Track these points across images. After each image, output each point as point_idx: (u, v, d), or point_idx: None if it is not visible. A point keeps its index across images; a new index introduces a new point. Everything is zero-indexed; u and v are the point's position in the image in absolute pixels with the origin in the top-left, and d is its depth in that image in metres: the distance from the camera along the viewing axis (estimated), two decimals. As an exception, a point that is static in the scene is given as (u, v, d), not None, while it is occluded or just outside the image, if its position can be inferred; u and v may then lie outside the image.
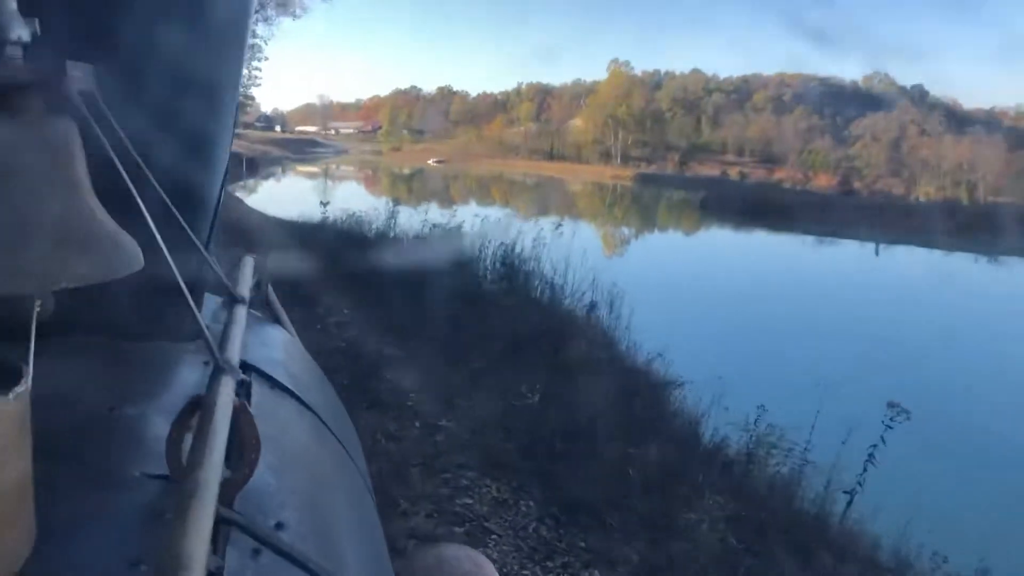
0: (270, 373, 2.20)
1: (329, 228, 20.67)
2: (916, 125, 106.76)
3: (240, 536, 1.33)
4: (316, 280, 13.45)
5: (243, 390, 1.61)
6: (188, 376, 2.05)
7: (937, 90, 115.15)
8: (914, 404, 8.55)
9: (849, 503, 7.88)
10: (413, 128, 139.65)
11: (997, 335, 21.71)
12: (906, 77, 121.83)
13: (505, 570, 6.36)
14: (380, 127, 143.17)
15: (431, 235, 18.60)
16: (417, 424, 8.87)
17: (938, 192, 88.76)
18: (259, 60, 53.58)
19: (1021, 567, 8.35)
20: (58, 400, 1.27)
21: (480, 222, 18.68)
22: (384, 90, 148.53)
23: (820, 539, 7.56)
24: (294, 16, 46.14)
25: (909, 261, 43.83)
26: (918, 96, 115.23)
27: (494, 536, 6.72)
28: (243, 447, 1.43)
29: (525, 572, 6.49)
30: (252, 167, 66.27)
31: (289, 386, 2.23)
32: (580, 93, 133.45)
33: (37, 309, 1.29)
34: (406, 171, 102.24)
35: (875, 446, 7.83)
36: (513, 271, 15.78)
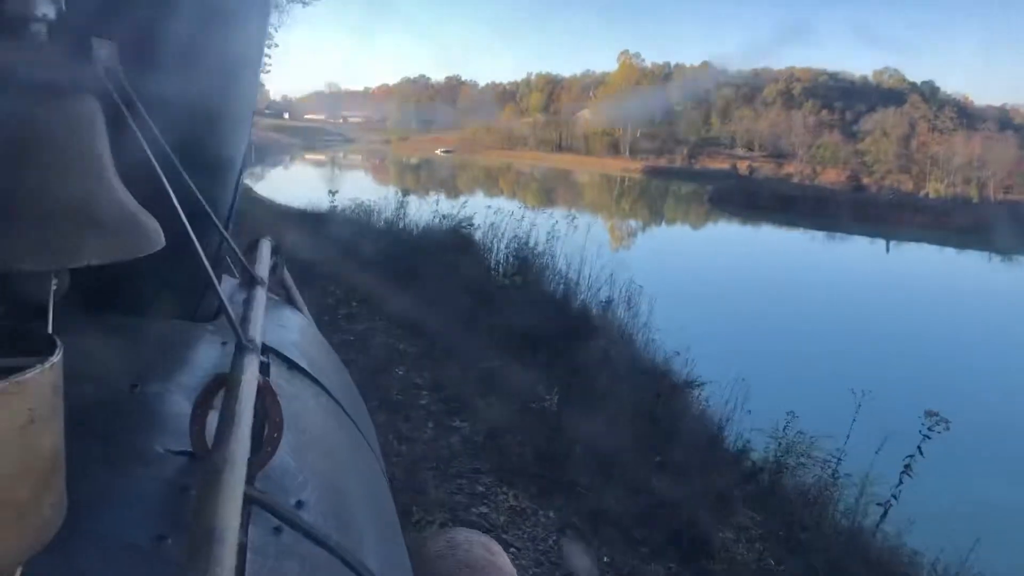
0: (287, 354, 2.22)
1: (338, 217, 20.37)
2: (926, 121, 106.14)
3: (261, 513, 1.36)
4: (324, 271, 13.16)
5: (263, 370, 1.56)
6: (207, 355, 2.11)
7: (948, 86, 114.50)
8: (946, 407, 8.19)
9: (883, 515, 7.52)
10: (421, 118, 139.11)
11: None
12: (917, 73, 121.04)
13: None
14: (388, 116, 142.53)
15: (441, 226, 18.26)
16: (430, 425, 8.52)
17: (948, 189, 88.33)
18: (269, 47, 53.35)
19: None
20: (81, 377, 1.22)
21: (492, 214, 18.26)
22: (393, 79, 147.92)
23: (858, 556, 7.18)
24: (304, 3, 45.94)
25: (920, 258, 43.32)
26: (929, 92, 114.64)
27: (513, 549, 6.35)
28: (268, 426, 1.47)
29: (546, 591, 6.16)
30: (260, 154, 66.23)
31: (306, 367, 2.25)
32: (589, 84, 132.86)
33: (54, 287, 1.31)
34: (414, 160, 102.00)
35: (911, 456, 7.45)
36: (526, 265, 15.40)
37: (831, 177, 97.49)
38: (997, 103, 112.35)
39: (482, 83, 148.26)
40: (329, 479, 1.80)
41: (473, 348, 10.61)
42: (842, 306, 23.28)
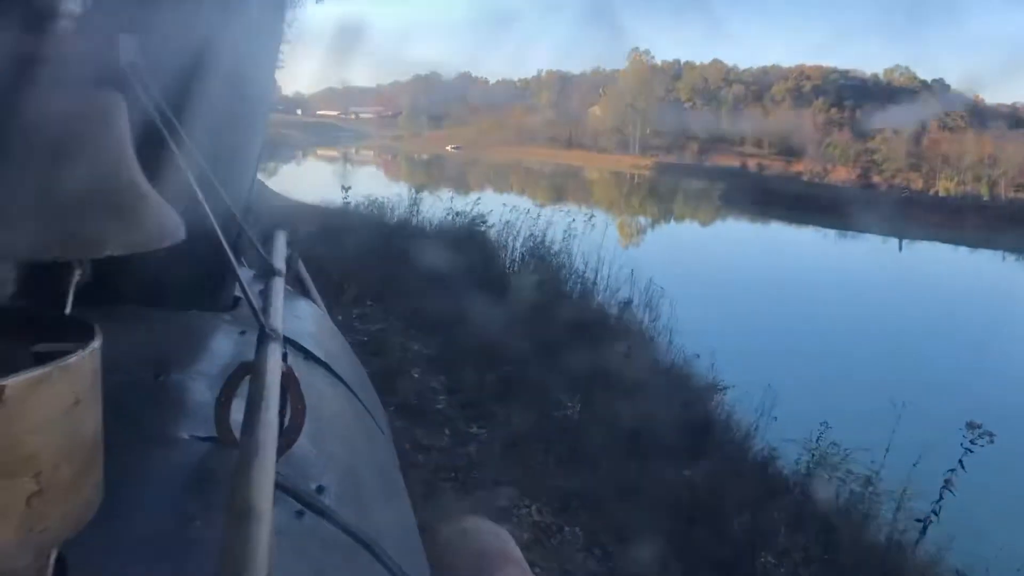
0: (303, 344, 2.28)
1: (351, 214, 20.32)
2: (937, 119, 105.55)
3: (284, 497, 1.40)
4: (337, 269, 12.96)
5: (283, 359, 1.57)
6: (227, 344, 2.19)
7: (959, 84, 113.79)
8: (980, 414, 7.87)
9: (923, 532, 7.20)
10: (432, 114, 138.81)
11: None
12: (927, 71, 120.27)
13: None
14: (400, 112, 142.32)
15: (454, 223, 18.02)
16: (447, 432, 8.26)
17: (958, 187, 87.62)
18: (282, 43, 53.34)
19: None
20: (105, 366, 1.18)
21: (507, 212, 18.00)
22: (404, 76, 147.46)
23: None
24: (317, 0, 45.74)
25: (935, 257, 42.86)
26: (940, 90, 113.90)
27: (537, 569, 6.05)
28: (291, 413, 1.51)
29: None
30: (273, 150, 66.53)
31: (322, 357, 2.33)
32: (599, 82, 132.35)
33: (77, 276, 1.35)
34: (425, 157, 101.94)
35: (952, 471, 7.14)
36: (543, 264, 15.12)
37: (841, 175, 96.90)
38: (1008, 101, 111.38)
39: (493, 80, 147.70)
40: (347, 465, 1.87)
41: (489, 350, 10.35)
42: (862, 306, 22.83)
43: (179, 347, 2.10)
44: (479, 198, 20.36)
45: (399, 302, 12.69)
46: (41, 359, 1.02)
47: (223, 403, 1.53)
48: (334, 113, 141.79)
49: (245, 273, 2.46)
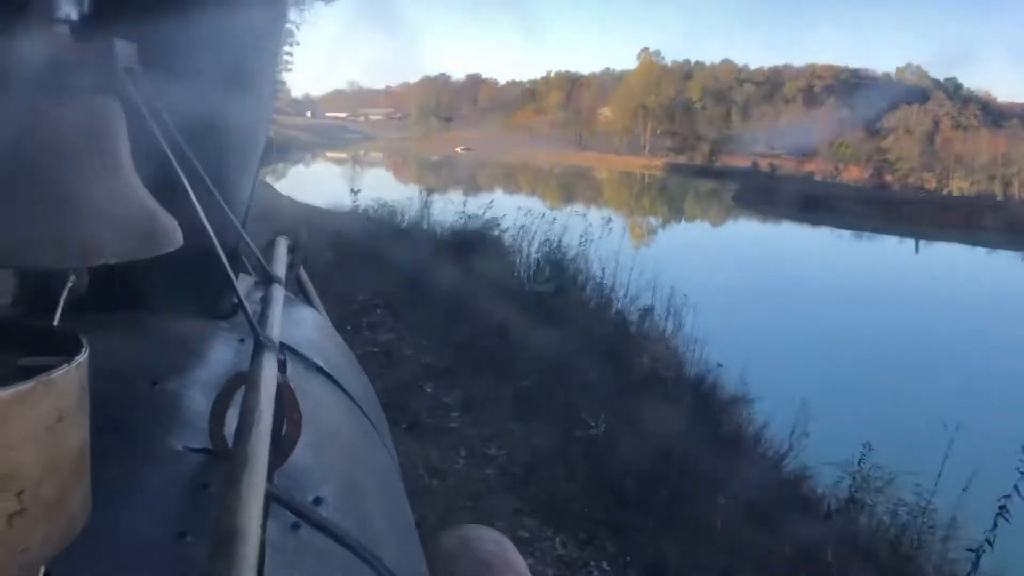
0: (303, 352, 2.21)
1: (360, 217, 19.99)
2: (950, 118, 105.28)
3: (279, 510, 1.35)
4: (346, 275, 12.61)
5: (281, 368, 1.54)
6: (224, 353, 2.12)
7: (971, 83, 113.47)
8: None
9: (976, 564, 6.68)
10: (441, 115, 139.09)
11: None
12: (939, 70, 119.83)
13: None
14: (409, 114, 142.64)
15: (467, 227, 17.61)
16: (463, 453, 7.76)
17: (972, 187, 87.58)
18: (291, 45, 53.41)
19: None
20: (100, 374, 1.14)
21: (522, 215, 17.54)
22: (413, 77, 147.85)
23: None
24: (326, 0, 45.74)
25: (954, 259, 42.23)
26: (952, 89, 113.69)
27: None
28: (287, 424, 1.46)
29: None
30: (282, 152, 67.12)
31: (322, 365, 2.25)
32: (609, 82, 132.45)
33: (70, 284, 1.37)
34: (434, 158, 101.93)
35: (1008, 496, 6.62)
36: (560, 270, 14.62)
37: (854, 175, 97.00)
38: (1021, 100, 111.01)
39: (502, 81, 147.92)
40: (346, 476, 1.82)
41: (504, 362, 9.87)
42: (887, 311, 22.23)
43: (175, 355, 2.06)
44: (491, 201, 19.77)
45: (410, 310, 12.25)
46: (26, 373, 0.98)
47: (217, 414, 1.49)
48: (343, 115, 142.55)
49: (246, 280, 2.49)
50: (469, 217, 18.03)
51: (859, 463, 7.73)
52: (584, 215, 18.69)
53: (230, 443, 1.36)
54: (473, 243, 16.20)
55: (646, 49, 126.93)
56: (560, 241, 15.55)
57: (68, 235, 1.24)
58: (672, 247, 35.05)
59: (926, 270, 36.97)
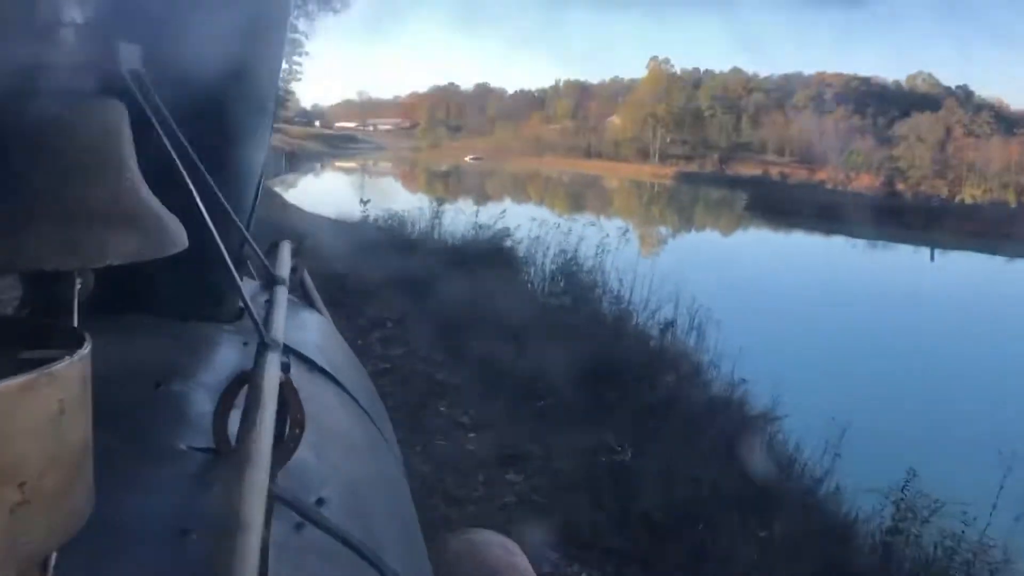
0: (307, 354, 2.26)
1: (370, 228, 19.81)
2: (962, 126, 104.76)
3: (284, 510, 1.36)
4: (357, 288, 12.29)
5: (284, 369, 1.54)
6: (229, 355, 2.18)
7: (983, 91, 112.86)
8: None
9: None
10: (451, 125, 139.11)
11: None
12: (950, 77, 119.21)
13: None
14: (418, 123, 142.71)
15: (478, 238, 17.28)
16: (481, 479, 7.35)
17: (984, 194, 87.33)
18: (300, 55, 53.48)
19: None
20: (107, 375, 1.17)
21: (532, 223, 17.19)
22: (422, 87, 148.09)
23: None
24: (335, 11, 45.74)
25: (973, 268, 41.64)
26: (963, 96, 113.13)
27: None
28: (290, 423, 1.50)
29: None
30: (292, 162, 67.48)
31: (325, 367, 2.31)
32: (618, 91, 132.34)
33: (78, 285, 1.38)
34: (443, 168, 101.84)
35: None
36: (575, 282, 14.23)
37: (865, 183, 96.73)
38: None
39: (511, 90, 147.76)
40: (349, 477, 1.84)
41: (521, 379, 9.48)
42: (913, 322, 21.73)
43: (180, 357, 2.09)
44: (503, 211, 19.43)
45: (421, 323, 11.88)
46: (28, 366, 1.00)
47: (221, 413, 1.51)
48: (352, 125, 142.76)
49: (250, 284, 2.52)
50: (480, 227, 17.72)
51: (902, 489, 7.29)
52: (597, 225, 18.36)
53: (233, 442, 1.42)
54: (485, 254, 15.87)
55: (655, 57, 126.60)
56: (575, 252, 15.19)
57: (75, 237, 1.27)
58: (687, 257, 34.49)
59: (946, 280, 36.27)
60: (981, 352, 18.93)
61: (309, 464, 1.62)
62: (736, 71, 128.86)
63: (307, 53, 56.42)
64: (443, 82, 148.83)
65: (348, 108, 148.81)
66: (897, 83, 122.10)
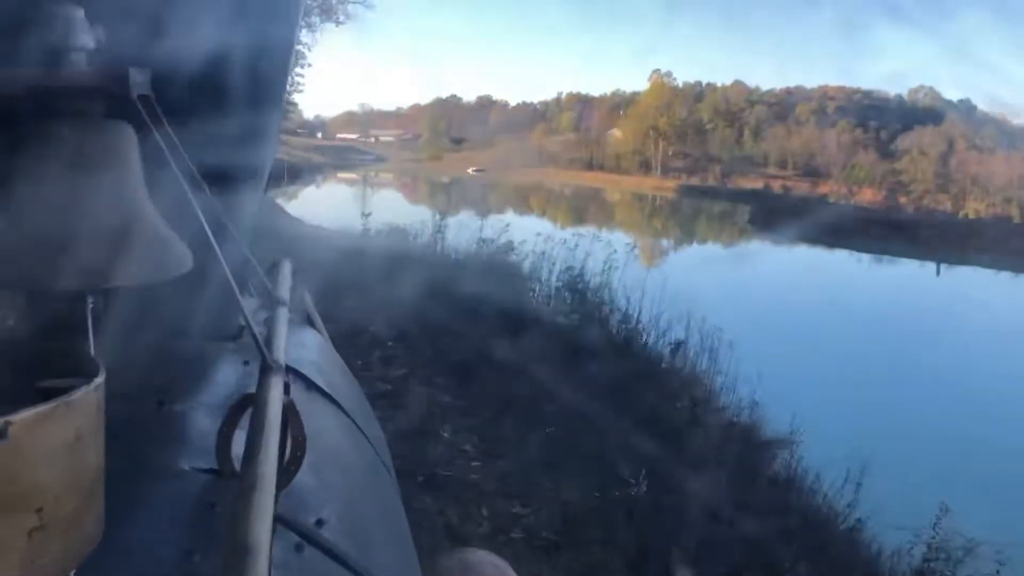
0: (306, 374, 2.26)
1: (371, 241, 19.48)
2: (965, 140, 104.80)
3: (283, 531, 1.36)
4: (357, 304, 11.95)
5: (285, 390, 1.53)
6: (230, 375, 2.19)
7: (986, 105, 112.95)
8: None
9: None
10: (452, 137, 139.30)
11: None
12: (953, 91, 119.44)
13: None
14: (420, 135, 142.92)
15: (481, 252, 16.95)
16: (485, 512, 6.94)
17: (988, 209, 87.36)
18: (302, 67, 53.50)
19: None
20: (110, 395, 1.18)
21: (536, 237, 16.86)
22: (424, 99, 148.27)
23: None
24: (337, 23, 45.77)
25: (978, 284, 41.22)
26: (966, 111, 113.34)
27: None
28: (292, 445, 1.49)
29: None
30: (294, 173, 67.73)
31: (324, 388, 2.30)
32: (620, 103, 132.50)
33: (91, 306, 1.39)
34: (445, 179, 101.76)
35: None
36: (583, 300, 13.85)
37: (867, 197, 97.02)
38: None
39: (513, 103, 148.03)
40: (347, 498, 1.85)
41: (527, 403, 9.10)
42: (928, 339, 21.30)
43: (183, 377, 2.10)
44: (507, 225, 19.02)
45: (424, 343, 11.51)
46: (45, 395, 1.03)
47: (224, 435, 1.51)
48: (354, 136, 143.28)
49: (250, 302, 2.47)
50: (484, 241, 17.41)
51: (933, 527, 6.87)
52: (604, 239, 17.98)
53: (236, 464, 1.44)
54: (489, 270, 15.53)
55: (657, 70, 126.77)
56: (582, 268, 14.83)
57: (81, 259, 1.28)
58: (693, 272, 34.12)
59: (956, 295, 35.72)
60: (1006, 372, 18.47)
61: (309, 485, 1.62)
62: (738, 84, 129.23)
63: (310, 64, 56.42)
64: (445, 94, 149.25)
65: (350, 119, 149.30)
66: (899, 97, 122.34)
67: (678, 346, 11.96)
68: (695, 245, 58.74)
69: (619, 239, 20.99)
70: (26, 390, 1.07)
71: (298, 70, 54.67)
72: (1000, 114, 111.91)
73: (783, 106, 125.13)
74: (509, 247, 16.89)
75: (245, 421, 1.44)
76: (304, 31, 44.18)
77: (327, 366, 2.67)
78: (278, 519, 1.28)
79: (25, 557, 0.98)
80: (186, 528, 1.44)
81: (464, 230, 19.23)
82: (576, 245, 15.84)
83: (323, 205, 46.43)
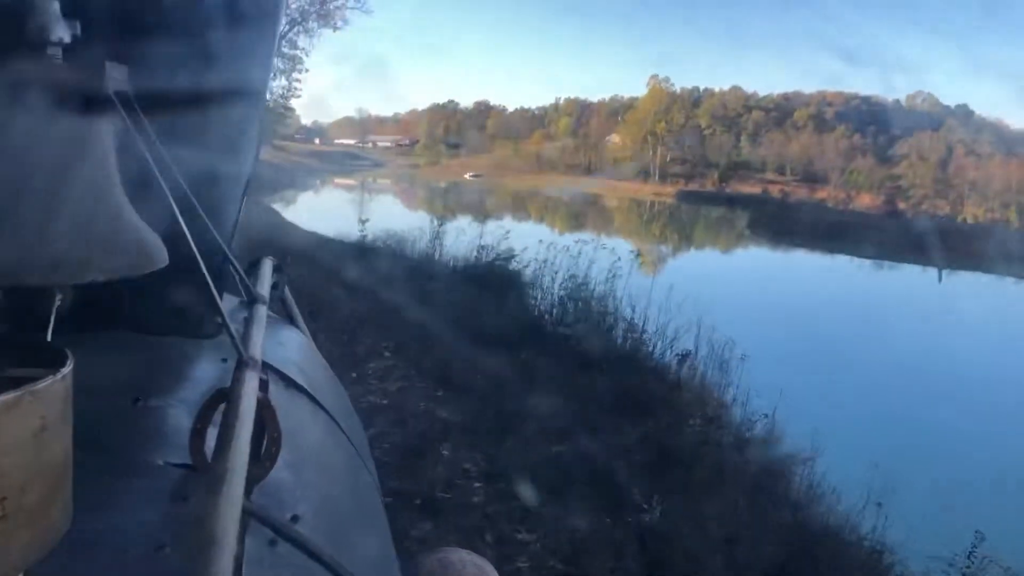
0: (285, 372, 2.27)
1: (368, 247, 19.30)
2: (963, 145, 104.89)
3: (257, 526, 1.36)
4: (353, 313, 11.60)
5: (262, 387, 1.57)
6: (207, 371, 2.21)
7: (983, 110, 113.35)
8: None
9: None
10: (450, 142, 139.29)
11: None
12: (950, 96, 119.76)
13: None
14: (417, 141, 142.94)
15: (481, 259, 16.59)
16: (489, 539, 6.55)
17: (986, 214, 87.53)
18: (299, 72, 53.28)
19: None
20: (85, 390, 1.18)
21: (537, 244, 16.51)
22: (422, 104, 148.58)
23: None
24: (334, 28, 45.65)
25: (981, 289, 40.86)
26: (963, 116, 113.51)
27: None
28: (267, 441, 1.51)
29: None
30: (291, 179, 67.62)
31: (304, 385, 2.32)
32: (618, 109, 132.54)
33: (58, 302, 1.37)
34: (442, 185, 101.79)
35: None
36: (586, 310, 13.48)
37: (866, 202, 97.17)
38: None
39: (511, 108, 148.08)
40: (324, 495, 1.85)
41: (532, 420, 8.71)
42: (936, 347, 20.91)
43: (159, 373, 2.11)
44: (507, 232, 18.59)
45: (422, 354, 11.12)
46: (12, 384, 1.02)
47: (198, 430, 1.52)
48: (352, 141, 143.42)
49: (230, 300, 2.47)
50: (483, 248, 17.05)
51: (969, 556, 6.48)
52: (605, 246, 17.60)
53: (210, 459, 1.42)
54: (489, 278, 15.16)
55: (655, 76, 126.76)
56: (585, 276, 14.45)
57: (55, 254, 1.26)
58: (695, 279, 33.89)
59: (960, 301, 35.26)
60: (1008, 375, 18.10)
61: (284, 481, 1.62)
62: (736, 89, 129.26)
63: (307, 70, 56.20)
64: (443, 100, 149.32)
65: (348, 125, 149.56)
66: (897, 102, 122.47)
67: (685, 356, 11.62)
68: (695, 251, 58.42)
69: (620, 245, 20.73)
70: None
71: (296, 76, 54.52)
72: (997, 119, 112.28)
73: (781, 111, 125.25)
74: (510, 254, 16.53)
75: (219, 417, 1.45)
76: (302, 36, 43.97)
77: (308, 365, 2.69)
78: (251, 514, 1.29)
79: None
80: (158, 522, 1.43)
81: (463, 236, 18.91)
82: (579, 252, 15.45)
83: (321, 210, 46.19)
